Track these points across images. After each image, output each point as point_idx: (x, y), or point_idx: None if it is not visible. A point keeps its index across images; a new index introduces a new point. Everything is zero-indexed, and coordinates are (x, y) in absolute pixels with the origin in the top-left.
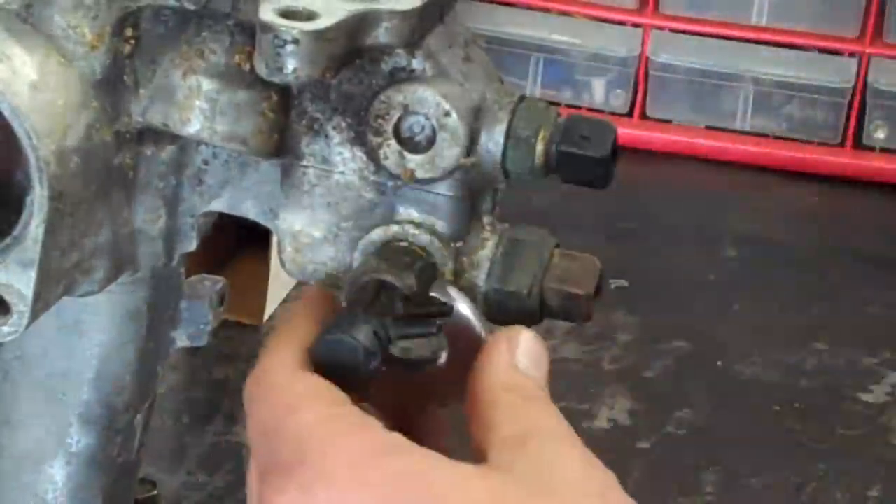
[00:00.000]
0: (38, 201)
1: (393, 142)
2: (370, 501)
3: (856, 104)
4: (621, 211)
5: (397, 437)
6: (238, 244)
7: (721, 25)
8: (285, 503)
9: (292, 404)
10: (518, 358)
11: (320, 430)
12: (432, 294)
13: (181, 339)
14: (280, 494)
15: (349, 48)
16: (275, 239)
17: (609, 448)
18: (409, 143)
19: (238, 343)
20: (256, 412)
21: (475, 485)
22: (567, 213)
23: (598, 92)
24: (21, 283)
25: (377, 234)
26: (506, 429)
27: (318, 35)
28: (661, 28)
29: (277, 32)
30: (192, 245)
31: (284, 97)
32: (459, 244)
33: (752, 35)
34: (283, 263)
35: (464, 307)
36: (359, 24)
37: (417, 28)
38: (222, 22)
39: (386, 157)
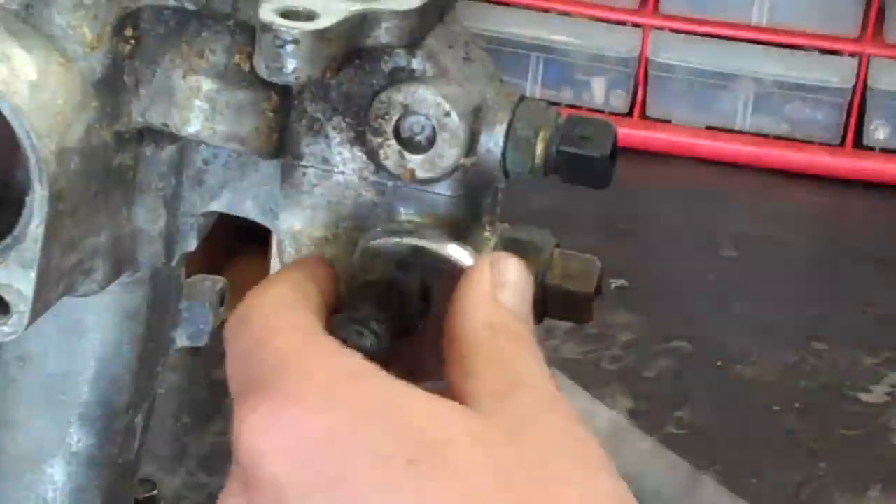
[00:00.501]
0: (38, 201)
1: (393, 142)
2: (341, 423)
3: (856, 104)
4: (621, 211)
5: (375, 367)
6: (238, 244)
7: (721, 25)
8: (257, 420)
9: (272, 331)
10: (501, 289)
11: (298, 353)
12: (423, 244)
13: (181, 339)
14: (253, 412)
15: (349, 48)
16: (275, 239)
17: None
18: (409, 143)
19: None
20: (236, 342)
21: (455, 422)
22: (567, 213)
23: (598, 92)
24: (21, 283)
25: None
26: (488, 381)
27: (318, 35)
28: (661, 28)
29: (277, 32)
30: (192, 245)
31: (284, 97)
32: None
33: (752, 35)
34: (283, 263)
35: (460, 253)
36: (359, 24)
37: (417, 28)
38: (222, 22)
39: (386, 157)
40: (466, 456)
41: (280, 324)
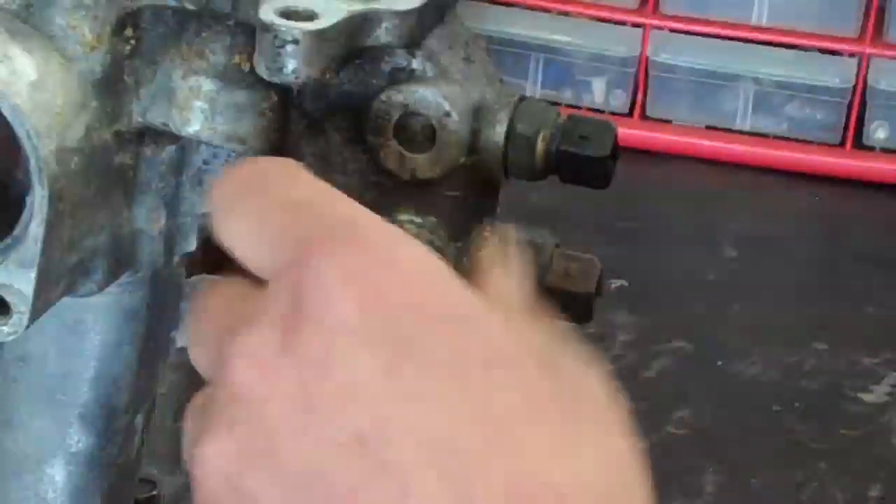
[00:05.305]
0: (38, 201)
1: (393, 142)
2: (420, 287)
3: (856, 104)
4: (621, 211)
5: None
6: None
7: (721, 25)
8: (337, 264)
9: (324, 188)
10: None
11: (363, 212)
12: None
13: (181, 339)
14: (331, 255)
15: (349, 48)
16: None
17: None
18: (409, 144)
19: None
20: (282, 190)
21: (522, 342)
22: (567, 213)
23: (598, 92)
24: (21, 283)
25: None
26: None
27: (318, 35)
28: (661, 28)
29: (277, 32)
30: (192, 245)
31: (284, 97)
32: (459, 244)
33: (752, 35)
34: None
35: None
36: (359, 24)
37: (417, 28)
38: (222, 22)
39: (386, 158)
40: (530, 372)
41: (325, 185)
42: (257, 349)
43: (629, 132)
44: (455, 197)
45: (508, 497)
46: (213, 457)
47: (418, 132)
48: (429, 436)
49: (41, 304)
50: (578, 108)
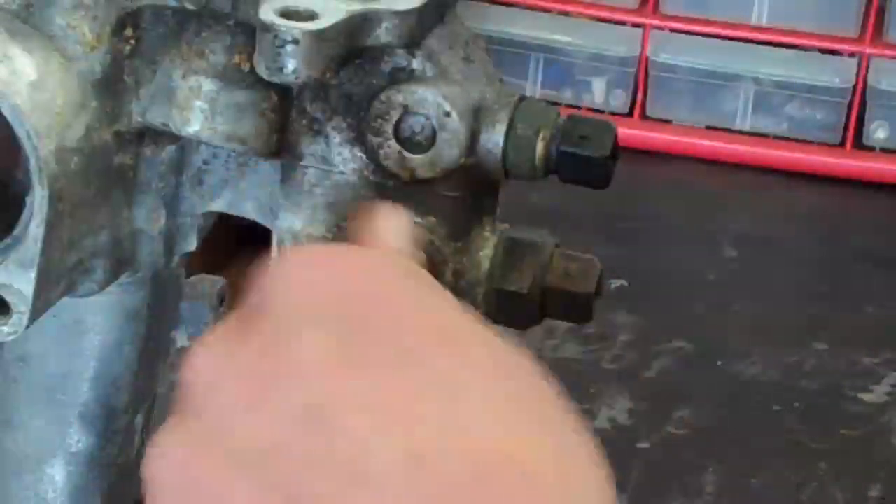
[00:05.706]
0: (38, 201)
1: (393, 142)
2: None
3: (856, 104)
4: (621, 211)
5: None
6: (238, 244)
7: (721, 25)
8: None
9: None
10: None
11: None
12: None
13: (181, 339)
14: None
15: (349, 48)
16: (275, 239)
17: (609, 448)
18: (409, 144)
19: None
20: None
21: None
22: (567, 213)
23: (598, 92)
24: (21, 283)
25: None
26: None
27: (318, 35)
28: (661, 28)
29: (277, 32)
30: (192, 245)
31: (284, 97)
32: (459, 244)
33: (752, 35)
34: None
35: None
36: (359, 24)
37: (417, 28)
38: (222, 22)
39: (386, 158)
40: (478, 349)
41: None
42: (215, 341)
43: (629, 132)
44: (455, 197)
45: (475, 466)
46: (165, 449)
47: (418, 132)
48: (382, 403)
49: (41, 304)
50: (578, 108)
